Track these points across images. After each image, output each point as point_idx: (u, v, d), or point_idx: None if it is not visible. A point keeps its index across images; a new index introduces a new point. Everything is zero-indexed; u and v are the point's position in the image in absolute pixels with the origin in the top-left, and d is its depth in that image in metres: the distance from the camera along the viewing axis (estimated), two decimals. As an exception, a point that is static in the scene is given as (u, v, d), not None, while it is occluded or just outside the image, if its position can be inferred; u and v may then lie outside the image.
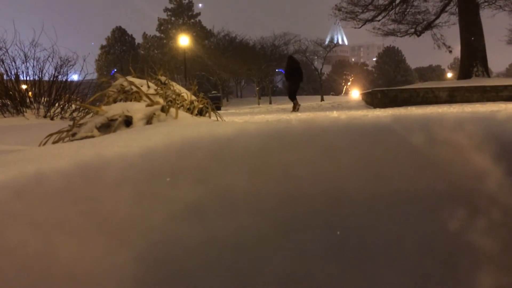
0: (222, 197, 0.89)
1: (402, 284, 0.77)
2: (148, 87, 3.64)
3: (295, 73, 13.87)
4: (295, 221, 0.84)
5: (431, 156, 0.84)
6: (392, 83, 62.82)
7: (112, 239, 0.86)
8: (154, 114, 3.15)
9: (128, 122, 3.07)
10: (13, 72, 8.89)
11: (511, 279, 0.74)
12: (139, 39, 68.21)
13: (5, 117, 7.93)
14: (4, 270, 0.81)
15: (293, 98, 14.01)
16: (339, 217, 0.83)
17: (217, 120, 3.76)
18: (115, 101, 3.51)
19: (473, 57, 18.87)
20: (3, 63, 8.82)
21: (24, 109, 8.26)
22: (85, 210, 0.88)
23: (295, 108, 13.88)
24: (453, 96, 13.28)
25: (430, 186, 0.81)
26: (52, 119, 8.14)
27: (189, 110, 3.70)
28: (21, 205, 0.87)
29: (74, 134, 3.14)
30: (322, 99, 42.42)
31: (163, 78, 4.01)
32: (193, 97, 3.95)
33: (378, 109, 11.49)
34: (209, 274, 0.83)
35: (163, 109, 3.19)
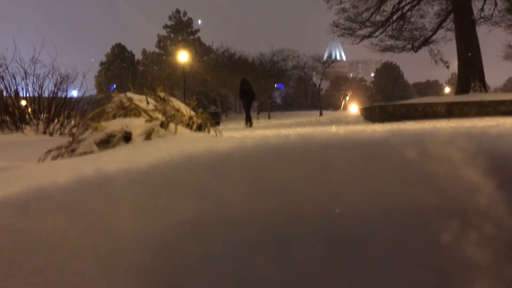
0: (221, 212, 0.90)
1: (398, 297, 0.78)
2: (148, 103, 3.67)
3: (247, 93, 16.33)
4: (292, 235, 0.85)
5: (425, 170, 0.85)
6: (390, 98, 63.07)
7: (113, 253, 0.87)
8: (153, 129, 3.17)
9: (127, 138, 3.09)
10: (12, 89, 8.92)
11: (504, 291, 0.75)
12: (138, 56, 68.60)
13: (4, 133, 7.94)
14: (7, 286, 0.82)
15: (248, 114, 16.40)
16: (335, 231, 0.84)
17: (216, 135, 3.78)
18: (114, 117, 3.53)
19: (470, 73, 18.99)
20: (3, 79, 8.86)
21: (23, 126, 8.28)
22: (86, 225, 0.89)
23: (247, 124, 16.01)
24: (451, 111, 13.34)
25: (424, 200, 0.82)
26: (51, 135, 8.15)
27: (188, 126, 3.72)
28: (23, 221, 0.88)
29: (73, 150, 3.16)
30: (321, 114, 42.57)
31: (162, 94, 4.04)
32: (192, 113, 3.97)
33: (376, 124, 11.54)
34: (208, 288, 0.84)
35: (162, 125, 3.21)
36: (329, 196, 0.87)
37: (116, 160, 1.69)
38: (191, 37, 64.36)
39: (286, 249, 0.84)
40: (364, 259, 0.80)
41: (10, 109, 8.45)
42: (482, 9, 21.75)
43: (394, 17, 23.24)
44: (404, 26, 23.79)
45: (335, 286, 0.80)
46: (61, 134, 8.29)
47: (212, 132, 3.94)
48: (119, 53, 66.70)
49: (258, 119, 41.44)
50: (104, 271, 0.85)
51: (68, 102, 9.36)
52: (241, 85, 16.68)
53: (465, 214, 0.79)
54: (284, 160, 0.98)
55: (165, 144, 2.43)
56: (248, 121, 16.07)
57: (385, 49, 24.77)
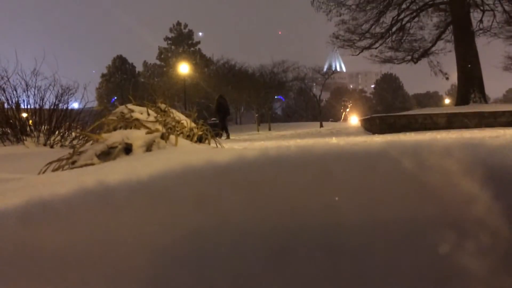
0: (220, 224, 0.91)
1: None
2: (148, 114, 3.69)
3: (222, 109, 18.07)
4: (291, 246, 0.86)
5: (422, 181, 0.86)
6: (390, 109, 63.12)
7: (115, 263, 0.88)
8: (154, 141, 3.19)
9: (128, 149, 3.10)
10: (14, 101, 8.97)
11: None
12: (139, 67, 68.98)
13: (5, 145, 7.97)
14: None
15: (223, 128, 17.79)
16: (334, 241, 0.84)
17: (217, 147, 3.79)
18: (115, 129, 3.55)
19: (470, 84, 19.05)
20: (4, 91, 8.91)
21: (24, 137, 8.31)
22: (88, 235, 0.90)
23: (226, 136, 17.18)
24: (452, 122, 13.36)
25: (421, 210, 0.83)
26: (52, 147, 8.17)
27: (189, 137, 3.74)
28: (25, 232, 0.88)
29: (74, 162, 3.17)
30: (321, 126, 42.63)
31: (162, 106, 4.06)
32: (193, 124, 3.99)
33: (376, 135, 11.56)
34: (208, 299, 0.84)
35: (162, 136, 3.23)
36: (328, 207, 0.88)
37: (117, 171, 1.70)
38: (192, 49, 64.68)
39: (285, 259, 0.85)
40: (363, 269, 0.81)
41: (11, 121, 8.48)
42: (481, 21, 21.92)
43: (394, 29, 23.39)
44: (404, 38, 23.93)
45: (333, 296, 0.80)
46: (62, 146, 8.31)
47: (213, 144, 3.96)
48: (120, 65, 67.06)
49: (258, 130, 41.45)
50: (106, 281, 0.86)
51: (69, 114, 9.40)
52: (218, 101, 18.14)
53: (462, 225, 0.80)
54: (284, 171, 0.99)
55: (166, 155, 2.44)
56: (226, 133, 17.38)
57: (385, 61, 24.89)
